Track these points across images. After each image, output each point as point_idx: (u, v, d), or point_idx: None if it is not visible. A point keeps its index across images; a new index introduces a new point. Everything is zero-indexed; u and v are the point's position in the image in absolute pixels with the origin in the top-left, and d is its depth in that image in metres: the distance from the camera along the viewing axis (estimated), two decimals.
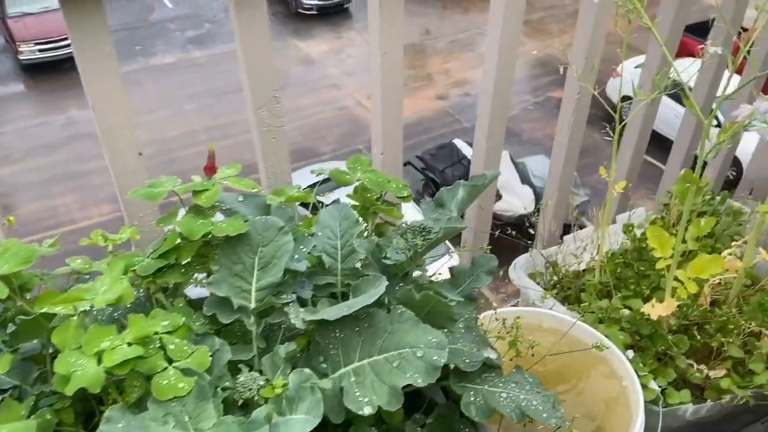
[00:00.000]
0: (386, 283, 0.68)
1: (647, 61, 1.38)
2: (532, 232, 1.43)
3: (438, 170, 8.12)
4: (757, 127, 0.74)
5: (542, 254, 1.36)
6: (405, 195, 0.99)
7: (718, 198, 1.42)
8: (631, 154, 1.51)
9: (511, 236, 1.44)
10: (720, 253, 1.24)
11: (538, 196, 7.42)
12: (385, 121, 1.14)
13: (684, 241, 1.07)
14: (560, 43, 9.95)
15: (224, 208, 0.75)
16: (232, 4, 0.91)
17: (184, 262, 0.70)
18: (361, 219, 0.98)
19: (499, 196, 7.82)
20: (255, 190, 0.77)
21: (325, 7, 11.52)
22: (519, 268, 1.32)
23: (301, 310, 0.68)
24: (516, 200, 7.59)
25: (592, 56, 1.29)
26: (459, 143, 8.28)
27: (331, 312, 0.64)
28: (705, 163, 1.03)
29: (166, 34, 11.47)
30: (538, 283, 1.36)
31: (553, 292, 1.28)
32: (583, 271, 1.38)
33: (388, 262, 0.72)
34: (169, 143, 8.68)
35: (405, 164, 8.77)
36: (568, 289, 1.35)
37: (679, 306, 1.17)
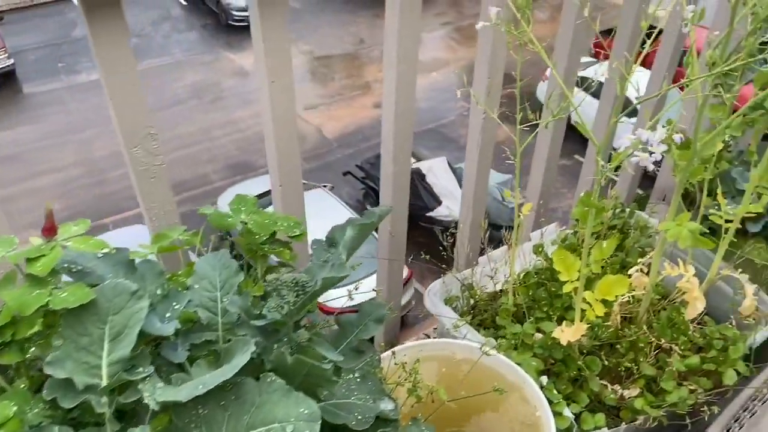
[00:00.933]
0: (252, 348, 0.62)
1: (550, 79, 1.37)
2: None
3: (378, 179, 8.06)
4: (638, 158, 0.72)
5: (457, 278, 1.33)
6: (297, 234, 0.94)
7: (628, 211, 1.43)
8: (543, 169, 1.50)
9: (426, 260, 1.40)
10: (631, 267, 1.24)
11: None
12: (280, 151, 1.08)
13: (588, 265, 1.05)
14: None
15: (74, 270, 0.67)
16: (89, 33, 0.82)
17: (25, 337, 0.62)
18: (250, 263, 0.91)
19: (439, 202, 7.87)
20: (105, 250, 0.69)
21: None
22: (433, 295, 1.28)
23: (159, 385, 0.61)
24: (456, 205, 7.63)
25: (494, 75, 1.27)
26: None
27: (183, 392, 0.57)
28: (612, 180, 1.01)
29: (90, 51, 11.07)
30: (455, 308, 1.32)
31: (467, 318, 1.25)
32: (500, 291, 1.35)
33: (259, 322, 0.65)
34: (98, 163, 8.34)
35: (345, 174, 8.73)
36: (485, 312, 1.32)
37: (590, 326, 1.16)
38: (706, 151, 1.03)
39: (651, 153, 0.71)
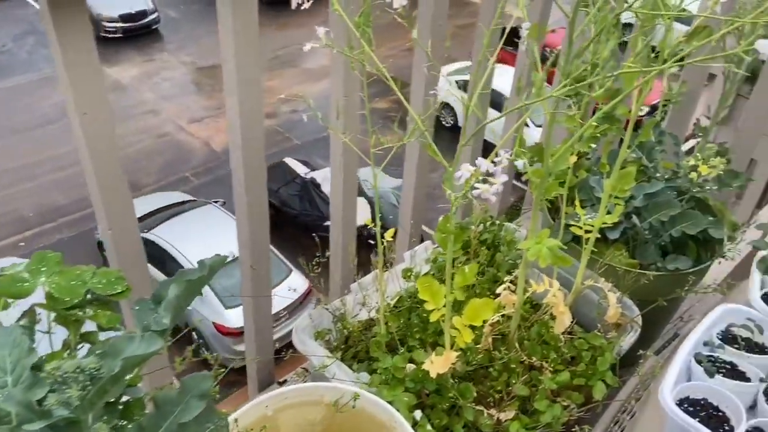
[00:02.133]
0: None
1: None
2: (372, 242, 1.35)
3: (272, 191, 7.91)
4: (479, 190, 0.68)
5: (327, 309, 1.25)
6: (119, 291, 0.82)
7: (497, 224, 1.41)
8: (413, 187, 1.46)
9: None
10: (502, 282, 1.22)
11: (373, 206, 7.50)
12: (104, 191, 0.94)
13: (452, 291, 1.01)
14: (376, 56, 10.17)
15: None
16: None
17: None
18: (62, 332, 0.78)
19: None
20: None
21: (131, 29, 10.75)
22: (301, 332, 1.19)
23: None
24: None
25: (351, 93, 1.21)
26: (291, 162, 8.13)
27: None
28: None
29: None
30: (328, 341, 1.25)
31: (338, 354, 1.17)
32: (374, 319, 1.29)
33: (39, 425, 0.54)
34: None
35: None
36: (359, 343, 1.25)
37: (462, 352, 1.12)
38: (558, 166, 1.02)
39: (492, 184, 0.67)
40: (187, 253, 6.60)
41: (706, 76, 1.43)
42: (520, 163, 0.78)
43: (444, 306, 1.02)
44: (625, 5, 0.79)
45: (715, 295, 1.34)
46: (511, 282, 1.17)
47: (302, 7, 0.94)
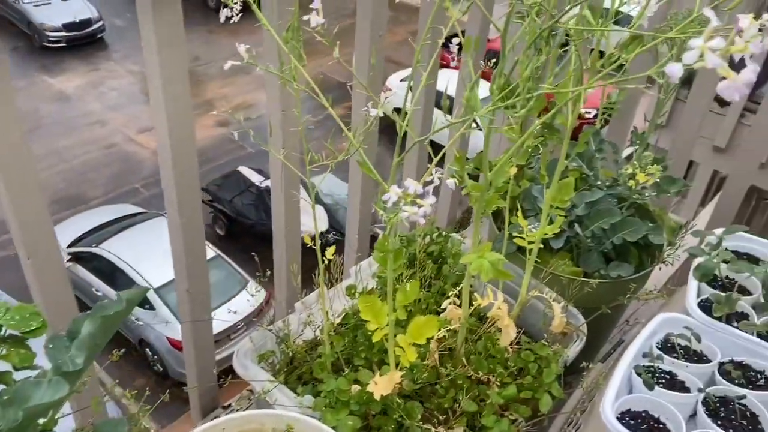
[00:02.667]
0: None
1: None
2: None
3: (226, 201, 7.78)
4: (407, 214, 0.66)
5: (271, 330, 1.21)
6: (34, 328, 0.77)
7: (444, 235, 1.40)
8: (359, 199, 1.44)
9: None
10: (449, 295, 1.20)
11: (330, 213, 7.45)
12: (21, 215, 0.88)
13: (395, 310, 0.98)
14: (325, 62, 10.14)
15: None
16: None
17: None
18: None
19: None
20: None
21: (75, 38, 10.41)
22: (243, 356, 1.15)
23: None
24: (309, 220, 7.52)
25: (289, 107, 1.18)
26: (245, 170, 8.01)
27: None
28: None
29: None
30: (272, 362, 1.21)
31: (281, 378, 1.14)
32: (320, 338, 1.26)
33: None
34: None
35: None
36: (305, 364, 1.22)
37: (409, 369, 1.10)
38: (498, 179, 1.02)
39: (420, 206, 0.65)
40: (139, 268, 6.42)
41: (644, 83, 1.45)
42: (450, 182, 0.77)
43: (387, 325, 1.00)
44: (557, 21, 0.79)
45: (658, 301, 1.36)
46: (456, 296, 1.16)
47: (231, 21, 0.91)
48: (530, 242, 1.18)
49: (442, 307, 1.15)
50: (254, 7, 0.87)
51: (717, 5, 0.93)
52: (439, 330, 1.13)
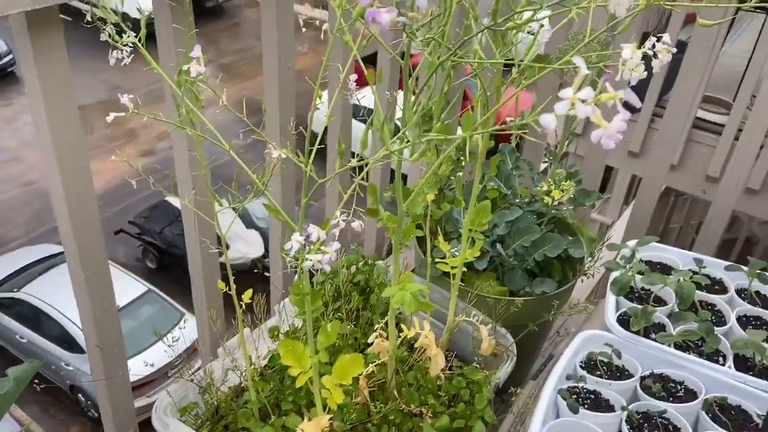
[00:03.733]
0: None
1: None
2: (267, 274, 1.24)
3: (155, 232, 7.52)
4: (311, 262, 0.63)
5: (193, 380, 1.15)
6: None
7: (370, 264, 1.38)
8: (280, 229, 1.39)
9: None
10: (378, 326, 1.18)
11: (266, 238, 7.32)
12: None
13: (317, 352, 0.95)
14: (255, 84, 10.04)
15: None
16: None
17: None
18: None
19: (227, 247, 7.52)
20: None
21: None
22: (162, 412, 1.08)
23: None
24: (245, 246, 7.39)
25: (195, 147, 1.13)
26: (173, 200, 7.77)
27: None
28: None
29: None
30: (196, 414, 1.15)
31: (205, 430, 1.08)
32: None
33: None
34: None
35: (117, 233, 7.93)
36: (231, 412, 1.16)
37: (339, 407, 1.07)
38: (414, 209, 1.00)
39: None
40: (66, 310, 6.08)
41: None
42: (356, 225, 0.74)
43: (310, 368, 0.97)
44: (452, 54, 0.78)
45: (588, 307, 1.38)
46: (382, 328, 1.14)
47: (122, 63, 0.86)
48: (453, 267, 1.17)
49: (369, 341, 1.12)
50: (143, 50, 0.82)
51: (611, 26, 0.95)
52: (367, 365, 1.11)
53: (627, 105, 1.75)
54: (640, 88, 1.99)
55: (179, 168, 1.14)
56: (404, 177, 1.85)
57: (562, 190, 1.26)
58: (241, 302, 1.04)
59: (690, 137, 2.60)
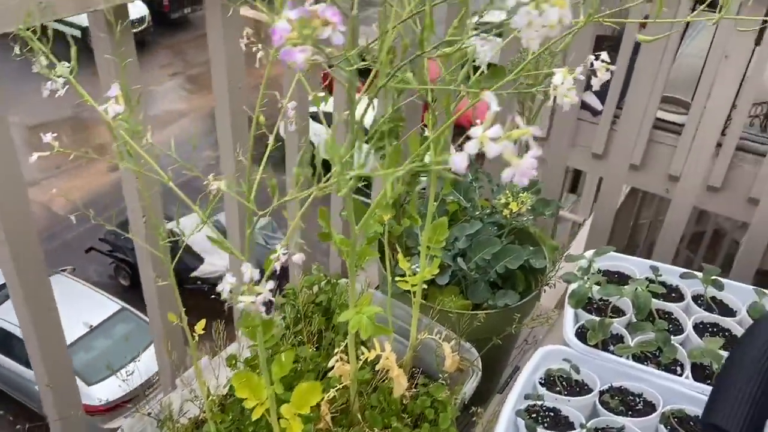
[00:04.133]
0: None
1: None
2: None
3: (127, 248, 7.39)
4: (243, 303, 0.61)
5: (150, 414, 1.12)
6: None
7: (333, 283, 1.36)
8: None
9: None
10: (342, 347, 1.16)
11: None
12: None
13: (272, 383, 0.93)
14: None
15: None
16: None
17: None
18: None
19: (201, 260, 7.43)
20: None
21: None
22: None
23: None
24: (218, 260, 7.31)
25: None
26: None
27: None
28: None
29: None
30: None
31: None
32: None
33: None
34: None
35: (88, 251, 7.77)
36: None
37: None
38: (368, 230, 0.99)
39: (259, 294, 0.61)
40: None
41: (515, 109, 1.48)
42: (297, 258, 0.73)
43: (267, 399, 0.95)
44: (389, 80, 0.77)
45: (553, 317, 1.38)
46: (342, 352, 1.12)
47: (56, 95, 0.84)
48: (414, 284, 1.16)
49: (329, 365, 1.10)
50: (74, 82, 0.80)
51: (557, 41, 0.95)
52: (329, 390, 1.09)
53: (588, 107, 1.76)
54: (603, 91, 2.00)
55: (128, 196, 1.11)
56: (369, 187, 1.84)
57: (521, 202, 1.26)
58: (194, 333, 1.01)
59: (651, 138, 2.63)
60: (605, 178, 2.01)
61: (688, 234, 5.42)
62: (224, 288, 0.60)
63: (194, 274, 7.23)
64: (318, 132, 2.10)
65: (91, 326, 5.96)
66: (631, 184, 3.76)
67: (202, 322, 1.05)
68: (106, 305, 6.28)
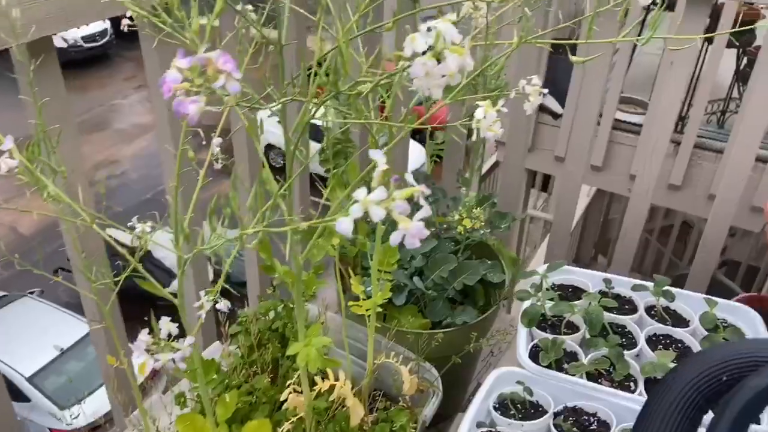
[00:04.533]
0: None
1: None
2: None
3: None
4: (160, 362, 0.58)
5: None
6: None
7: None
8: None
9: None
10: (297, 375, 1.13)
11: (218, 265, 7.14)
12: None
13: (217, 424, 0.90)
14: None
15: None
16: None
17: None
18: None
19: (173, 276, 7.32)
20: None
21: None
22: None
23: None
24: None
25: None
26: (114, 232, 7.50)
27: None
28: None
29: None
30: None
31: None
32: None
33: None
34: None
35: (56, 271, 7.59)
36: None
37: None
38: (314, 259, 0.96)
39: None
40: (6, 357, 5.79)
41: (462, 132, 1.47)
42: (222, 306, 0.70)
43: None
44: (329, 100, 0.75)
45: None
46: (296, 383, 1.09)
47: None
48: (367, 309, 1.14)
49: (282, 398, 1.07)
50: None
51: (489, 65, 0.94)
52: (284, 423, 1.06)
53: (548, 111, 1.76)
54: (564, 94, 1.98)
55: (65, 232, 1.07)
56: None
57: (473, 219, 1.24)
58: (137, 377, 0.98)
59: (612, 139, 2.65)
60: (562, 179, 2.01)
61: (657, 227, 5.50)
62: (139, 355, 0.57)
63: (167, 289, 7.12)
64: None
65: (62, 349, 5.83)
66: (594, 185, 3.79)
67: (144, 364, 1.01)
68: (77, 327, 6.14)
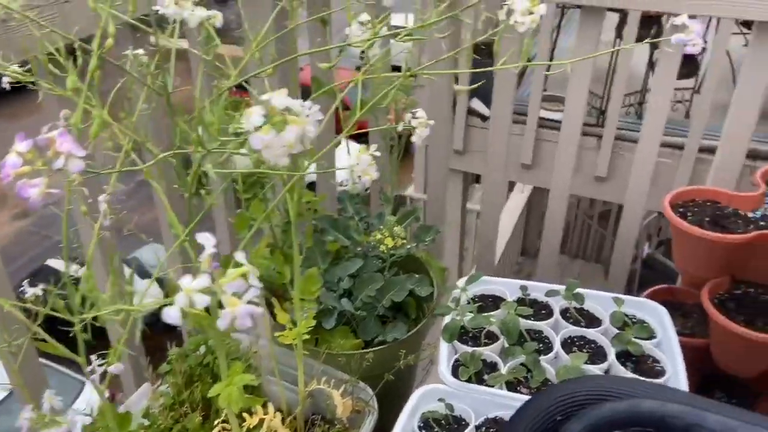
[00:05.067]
0: None
1: None
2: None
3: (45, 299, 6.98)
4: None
5: None
6: None
7: None
8: None
9: None
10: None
11: (162, 284, 6.99)
12: None
13: None
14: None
15: None
16: None
17: None
18: None
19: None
20: None
21: None
22: None
23: None
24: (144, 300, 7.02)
25: None
26: (55, 262, 7.26)
27: None
28: None
29: None
30: None
31: None
32: None
33: None
34: None
35: None
36: None
37: None
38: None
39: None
40: None
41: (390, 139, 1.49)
42: (114, 369, 0.70)
43: None
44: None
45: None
46: (224, 420, 1.09)
47: None
48: (293, 338, 1.14)
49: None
50: None
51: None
52: None
53: (477, 113, 1.79)
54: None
55: None
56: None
57: (395, 237, 1.27)
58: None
59: (539, 137, 2.73)
60: (485, 176, 2.05)
61: (596, 213, 5.68)
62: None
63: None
64: None
65: (10, 391, 5.60)
66: (526, 182, 3.89)
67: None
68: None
